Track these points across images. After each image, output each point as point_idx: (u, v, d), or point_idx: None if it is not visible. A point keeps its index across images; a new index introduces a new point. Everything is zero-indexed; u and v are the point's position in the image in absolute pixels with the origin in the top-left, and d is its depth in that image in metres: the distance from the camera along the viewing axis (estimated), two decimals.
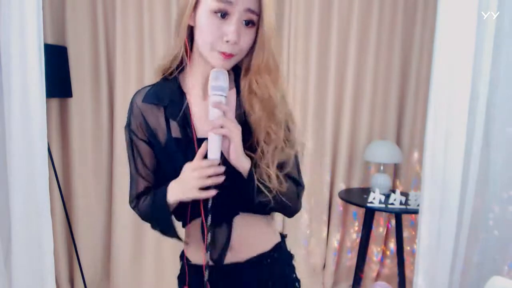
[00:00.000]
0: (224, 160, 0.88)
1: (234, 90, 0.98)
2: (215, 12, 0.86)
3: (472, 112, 1.71)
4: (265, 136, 0.91)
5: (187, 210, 0.96)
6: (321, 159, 2.89)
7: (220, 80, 0.88)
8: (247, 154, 0.91)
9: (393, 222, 2.82)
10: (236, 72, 0.98)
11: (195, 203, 0.92)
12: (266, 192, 0.89)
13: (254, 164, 0.91)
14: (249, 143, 0.92)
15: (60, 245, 2.65)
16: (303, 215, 2.91)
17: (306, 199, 2.86)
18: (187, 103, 0.96)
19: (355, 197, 2.67)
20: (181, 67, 0.97)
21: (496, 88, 1.73)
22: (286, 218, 2.82)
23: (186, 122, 0.94)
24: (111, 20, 2.64)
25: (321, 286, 2.94)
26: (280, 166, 0.94)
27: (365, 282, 2.87)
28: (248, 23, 0.88)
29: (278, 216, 2.33)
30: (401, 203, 2.45)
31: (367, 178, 2.94)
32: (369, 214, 2.61)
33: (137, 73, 2.67)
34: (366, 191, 2.73)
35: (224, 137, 0.86)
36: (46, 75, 1.71)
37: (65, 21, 2.57)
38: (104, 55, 2.66)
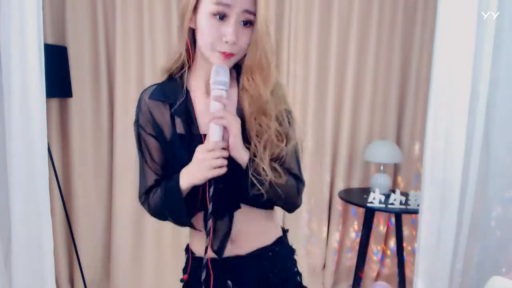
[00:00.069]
0: None
1: (235, 87, 1.01)
2: (214, 15, 0.90)
3: (472, 112, 1.71)
4: (256, 131, 0.95)
5: (192, 203, 0.98)
6: (321, 159, 2.89)
7: (221, 75, 0.91)
8: (247, 148, 0.95)
9: (393, 220, 2.82)
10: (238, 70, 1.02)
11: (198, 195, 0.96)
12: (259, 186, 0.92)
13: (252, 158, 0.94)
14: (245, 137, 0.96)
15: (60, 245, 2.66)
16: (303, 215, 2.91)
17: (306, 199, 2.86)
18: (191, 101, 1.00)
19: (355, 197, 2.67)
20: (185, 67, 1.01)
21: (496, 88, 1.73)
22: (286, 218, 2.82)
23: (190, 119, 0.99)
24: (111, 20, 2.64)
25: (321, 286, 2.94)
26: (278, 160, 0.97)
27: (365, 282, 2.87)
28: (246, 23, 0.92)
29: (278, 216, 2.33)
30: (401, 203, 2.45)
31: (367, 178, 2.94)
32: (369, 214, 2.61)
33: (137, 73, 2.67)
34: (366, 191, 2.73)
35: (224, 129, 0.91)
36: (46, 75, 1.71)
37: (65, 21, 2.57)
38: (104, 55, 2.66)
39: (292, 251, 1.13)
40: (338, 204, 2.92)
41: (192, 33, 0.97)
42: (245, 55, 0.97)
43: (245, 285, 1.03)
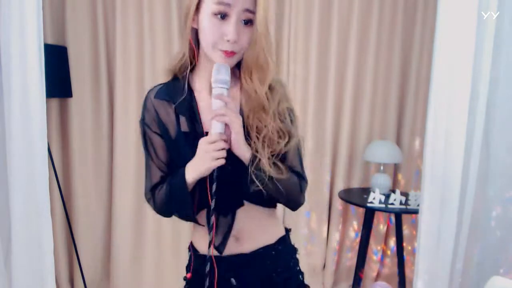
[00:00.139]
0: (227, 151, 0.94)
1: (239, 86, 1.03)
2: (215, 14, 0.92)
3: (472, 112, 1.71)
4: (256, 127, 0.98)
5: (197, 199, 1.00)
6: (321, 159, 2.89)
7: (222, 74, 0.93)
8: (248, 144, 0.97)
9: (393, 219, 2.82)
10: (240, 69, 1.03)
11: (201, 192, 0.98)
12: (257, 182, 0.93)
13: (254, 154, 0.96)
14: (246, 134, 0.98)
15: (60, 245, 2.66)
16: (303, 215, 2.91)
17: (306, 199, 2.85)
18: (195, 100, 1.02)
19: (355, 197, 2.67)
20: (190, 67, 1.03)
21: (496, 88, 1.73)
22: (286, 218, 2.82)
23: (194, 117, 1.01)
24: (111, 20, 2.64)
25: (321, 286, 2.94)
26: (280, 157, 0.99)
27: (365, 282, 2.87)
28: (247, 22, 0.94)
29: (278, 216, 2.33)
30: (401, 203, 2.45)
31: (367, 178, 2.94)
32: (369, 214, 2.61)
33: (137, 73, 2.67)
34: (366, 191, 2.73)
35: (226, 126, 0.93)
36: (46, 75, 1.71)
37: (65, 21, 2.57)
38: (104, 55, 2.66)
39: (294, 250, 1.15)
40: (338, 204, 2.92)
41: (195, 33, 0.99)
42: None
43: (248, 283, 1.05)
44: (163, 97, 1.03)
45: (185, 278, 1.11)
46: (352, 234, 3.00)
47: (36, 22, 1.63)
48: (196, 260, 1.09)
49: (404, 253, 2.70)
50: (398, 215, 2.58)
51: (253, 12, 0.92)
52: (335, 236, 2.95)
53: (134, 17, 2.62)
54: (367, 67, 2.84)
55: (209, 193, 0.94)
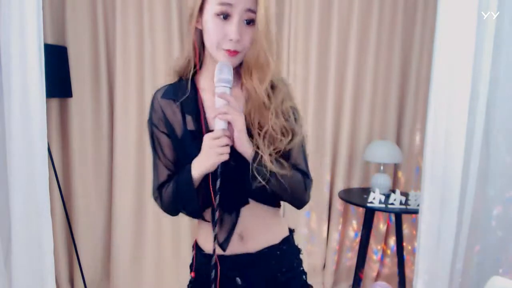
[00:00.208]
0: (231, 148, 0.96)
1: (240, 84, 1.05)
2: (218, 15, 0.95)
3: (472, 112, 1.71)
4: (257, 126, 1.00)
5: (203, 197, 1.01)
6: (321, 159, 2.89)
7: (224, 73, 0.96)
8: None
9: (394, 218, 2.82)
10: None
11: (207, 190, 0.99)
12: (260, 178, 0.95)
13: (256, 151, 0.97)
14: (249, 132, 1.00)
15: (60, 245, 2.66)
16: (303, 215, 2.91)
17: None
18: (201, 99, 1.05)
19: (355, 197, 2.67)
20: (195, 67, 1.06)
21: (496, 88, 1.73)
22: (286, 218, 2.82)
23: (199, 116, 1.03)
24: (111, 20, 2.64)
25: (321, 286, 2.94)
26: (285, 156, 1.01)
27: (365, 282, 2.87)
28: (249, 22, 0.96)
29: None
30: (401, 203, 2.45)
31: (367, 178, 2.94)
32: (369, 214, 2.61)
33: (137, 73, 2.67)
34: (366, 191, 2.73)
35: (229, 124, 0.95)
36: (46, 75, 1.71)
37: (65, 21, 2.57)
38: (104, 55, 2.66)
39: (298, 250, 1.17)
40: (338, 204, 2.92)
41: (200, 34, 1.02)
42: None
43: (253, 283, 1.06)
44: (169, 97, 1.06)
45: (192, 278, 1.12)
46: (352, 234, 3.00)
47: (36, 22, 1.63)
48: (200, 259, 1.10)
49: (404, 253, 2.69)
50: (398, 215, 2.58)
51: (254, 12, 0.94)
52: (335, 236, 2.95)
53: (134, 17, 2.62)
54: (367, 67, 2.84)
55: (211, 189, 0.96)
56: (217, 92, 0.96)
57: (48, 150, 1.96)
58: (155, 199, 1.09)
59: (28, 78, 1.64)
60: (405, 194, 2.56)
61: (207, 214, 1.05)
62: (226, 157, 0.94)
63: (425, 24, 2.81)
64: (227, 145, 0.94)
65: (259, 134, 0.99)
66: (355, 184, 2.94)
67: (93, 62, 2.68)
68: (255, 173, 0.95)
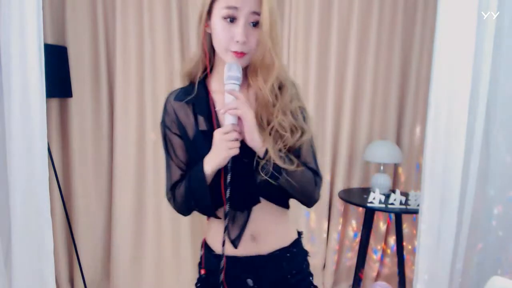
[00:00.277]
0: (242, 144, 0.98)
1: (247, 84, 1.07)
2: (225, 18, 0.98)
3: (472, 112, 1.71)
4: (264, 123, 1.02)
5: (215, 195, 1.02)
6: (321, 159, 2.88)
7: (233, 70, 0.98)
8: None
9: (393, 217, 2.82)
10: None
11: (219, 189, 1.02)
12: (262, 174, 0.97)
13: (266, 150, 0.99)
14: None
15: (60, 245, 2.66)
16: (303, 215, 2.91)
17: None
18: (212, 100, 1.08)
19: (355, 197, 2.67)
20: (205, 70, 1.09)
21: (496, 88, 1.73)
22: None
23: (211, 117, 1.06)
24: (111, 20, 2.64)
25: (321, 286, 2.93)
26: (295, 154, 1.03)
27: (365, 282, 2.87)
28: (255, 24, 0.99)
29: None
30: (401, 203, 2.45)
31: (367, 178, 2.94)
32: (369, 214, 2.60)
33: (137, 73, 2.67)
34: (366, 191, 2.73)
35: (239, 120, 0.97)
36: (46, 75, 1.71)
37: (65, 21, 2.57)
38: (104, 55, 2.66)
39: (306, 252, 1.19)
40: (338, 204, 2.92)
41: (210, 37, 1.05)
42: None
43: (264, 285, 1.08)
44: (182, 99, 1.08)
45: (201, 275, 1.13)
46: (352, 234, 3.00)
47: (36, 22, 1.63)
48: (211, 259, 1.11)
49: (404, 252, 2.69)
50: (398, 215, 2.58)
51: (260, 14, 0.97)
52: (335, 236, 2.95)
53: (134, 17, 2.62)
54: (367, 67, 2.84)
55: (222, 183, 0.99)
56: (226, 89, 0.98)
57: (48, 150, 1.96)
58: (169, 199, 1.11)
59: (28, 78, 1.64)
60: (405, 194, 2.56)
61: (220, 212, 1.06)
62: (236, 151, 0.96)
63: (425, 24, 2.81)
64: (236, 139, 0.96)
65: (265, 130, 1.00)
66: (355, 184, 2.94)
67: (93, 62, 2.68)
68: (265, 167, 0.97)
